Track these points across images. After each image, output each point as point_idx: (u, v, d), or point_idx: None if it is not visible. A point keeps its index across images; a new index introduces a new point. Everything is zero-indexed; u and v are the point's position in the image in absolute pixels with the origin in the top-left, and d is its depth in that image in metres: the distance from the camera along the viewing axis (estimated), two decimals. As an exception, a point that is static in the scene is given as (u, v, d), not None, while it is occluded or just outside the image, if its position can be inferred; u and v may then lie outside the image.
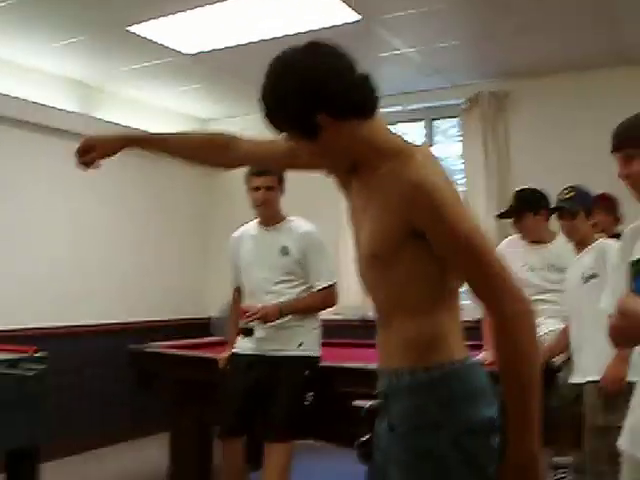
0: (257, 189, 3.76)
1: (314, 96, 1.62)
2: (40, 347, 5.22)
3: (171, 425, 4.67)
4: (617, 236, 3.35)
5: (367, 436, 1.82)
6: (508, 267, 1.61)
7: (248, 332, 3.80)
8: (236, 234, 4.00)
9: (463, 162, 6.09)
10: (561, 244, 3.84)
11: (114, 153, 2.10)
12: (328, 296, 3.82)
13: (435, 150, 6.40)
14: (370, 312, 5.89)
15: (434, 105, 6.36)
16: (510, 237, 4.24)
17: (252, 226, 3.91)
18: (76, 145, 2.06)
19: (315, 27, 4.75)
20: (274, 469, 3.70)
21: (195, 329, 6.45)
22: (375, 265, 1.71)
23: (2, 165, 5.31)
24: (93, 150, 2.07)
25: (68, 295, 5.61)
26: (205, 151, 2.10)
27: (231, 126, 7.08)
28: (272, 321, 3.67)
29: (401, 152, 1.68)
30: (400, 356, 1.70)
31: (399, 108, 6.37)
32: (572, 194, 3.60)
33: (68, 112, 5.69)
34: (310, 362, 3.79)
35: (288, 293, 3.71)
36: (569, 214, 3.55)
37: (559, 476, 3.72)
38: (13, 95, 5.27)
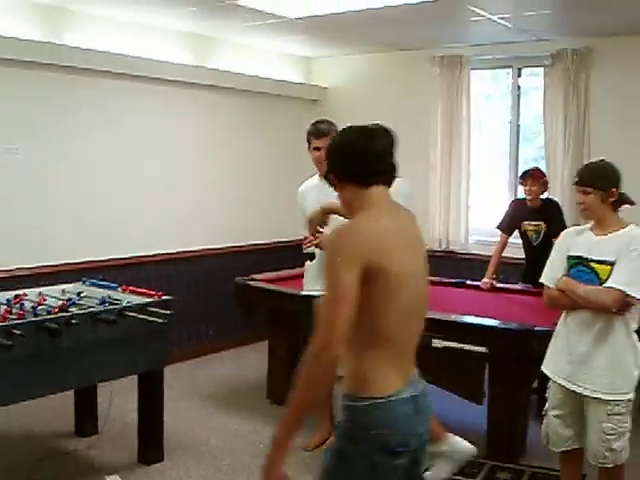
0: (317, 149, 4.43)
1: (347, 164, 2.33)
2: (155, 271, 6.18)
3: (268, 342, 5.61)
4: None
5: None
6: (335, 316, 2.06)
7: (310, 256, 4.41)
8: (302, 188, 4.63)
9: (543, 116, 6.44)
10: None
11: None
12: None
13: (521, 99, 6.83)
14: (454, 245, 6.62)
15: (521, 55, 6.66)
16: None
17: (314, 179, 4.54)
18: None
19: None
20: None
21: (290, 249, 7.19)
22: None
23: (125, 115, 6.05)
24: None
25: (177, 225, 6.46)
26: None
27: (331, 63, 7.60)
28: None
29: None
30: (344, 381, 2.26)
31: (489, 57, 6.78)
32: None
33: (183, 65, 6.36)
34: None
35: None
36: None
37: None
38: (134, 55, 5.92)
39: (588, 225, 3.48)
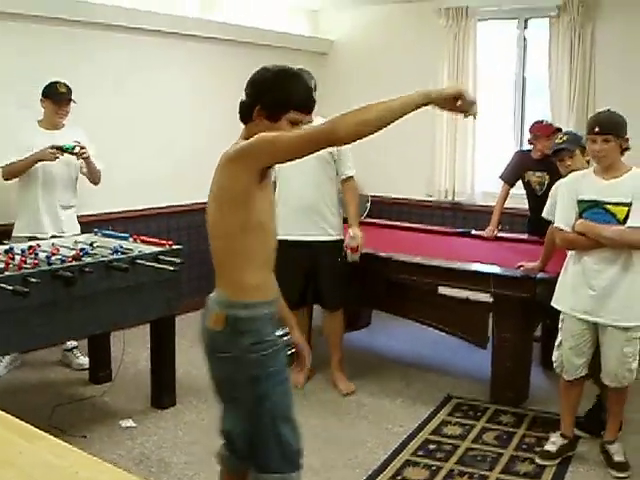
0: None
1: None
2: (168, 223, 6.25)
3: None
4: None
5: None
6: None
7: None
8: None
9: (549, 68, 6.42)
10: None
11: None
12: None
13: (528, 51, 6.81)
14: (461, 197, 6.83)
15: (528, 7, 6.63)
16: None
17: None
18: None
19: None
20: (331, 329, 4.94)
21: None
22: None
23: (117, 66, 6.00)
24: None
25: (188, 177, 6.30)
26: None
27: (337, 16, 7.61)
28: None
29: None
30: None
31: (496, 8, 6.76)
32: (566, 137, 4.40)
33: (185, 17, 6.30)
34: (339, 245, 4.74)
35: None
36: (568, 154, 4.37)
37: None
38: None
39: (588, 170, 3.74)
